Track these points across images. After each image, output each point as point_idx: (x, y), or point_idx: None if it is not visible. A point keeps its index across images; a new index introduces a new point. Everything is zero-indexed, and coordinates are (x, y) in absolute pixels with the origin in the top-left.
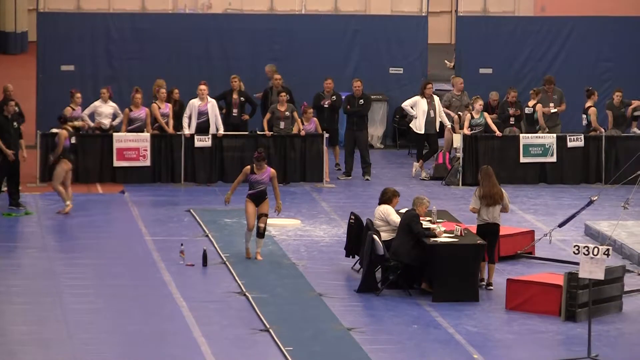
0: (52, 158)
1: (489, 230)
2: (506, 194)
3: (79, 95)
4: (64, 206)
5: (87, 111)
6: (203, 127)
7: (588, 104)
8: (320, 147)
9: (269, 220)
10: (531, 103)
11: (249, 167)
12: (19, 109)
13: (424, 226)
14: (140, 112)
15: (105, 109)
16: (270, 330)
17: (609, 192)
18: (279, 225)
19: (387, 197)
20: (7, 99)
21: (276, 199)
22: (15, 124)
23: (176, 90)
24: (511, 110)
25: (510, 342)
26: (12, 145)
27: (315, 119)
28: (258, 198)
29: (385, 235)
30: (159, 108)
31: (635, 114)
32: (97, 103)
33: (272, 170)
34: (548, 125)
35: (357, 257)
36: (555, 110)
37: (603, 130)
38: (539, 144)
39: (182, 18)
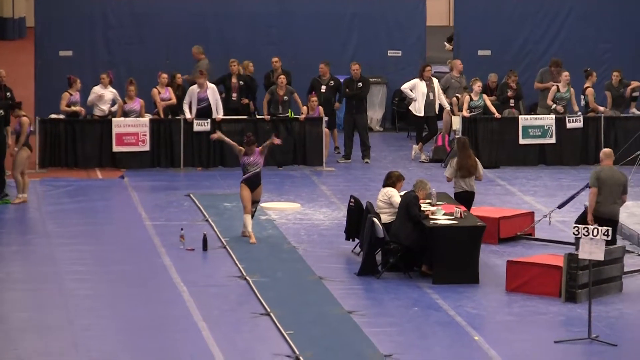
0: (17, 146)
1: (465, 198)
2: (479, 163)
3: (78, 81)
4: (17, 196)
5: (92, 97)
6: (203, 112)
7: (586, 84)
8: (320, 130)
9: (269, 204)
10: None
11: (243, 149)
12: (11, 95)
13: (422, 208)
14: (135, 104)
15: (106, 95)
16: (271, 314)
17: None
18: (279, 209)
19: (391, 181)
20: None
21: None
22: (1, 112)
23: (178, 75)
24: (509, 93)
25: (511, 324)
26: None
27: (320, 107)
28: (253, 183)
29: (385, 218)
30: (159, 93)
31: (634, 94)
32: (97, 88)
33: (258, 148)
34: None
35: (357, 240)
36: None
37: (602, 109)
38: (538, 125)
39: (180, 2)
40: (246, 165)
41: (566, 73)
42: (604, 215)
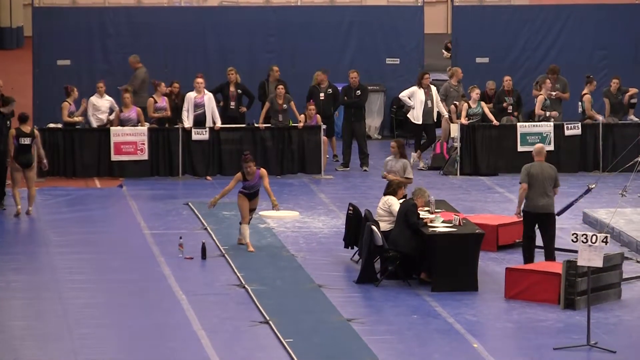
0: (9, 159)
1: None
2: None
3: (75, 90)
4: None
5: (89, 109)
6: (200, 120)
7: (584, 91)
8: (318, 138)
9: (268, 213)
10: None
11: (240, 174)
12: None
13: (420, 216)
14: (131, 113)
15: (102, 103)
16: (270, 322)
17: (606, 180)
18: (278, 217)
19: (392, 189)
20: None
21: (270, 197)
22: (8, 123)
23: (176, 84)
24: (505, 104)
25: (510, 331)
26: (2, 144)
27: (318, 115)
28: (251, 195)
29: (384, 226)
30: (155, 102)
31: (632, 101)
32: (93, 98)
33: (262, 170)
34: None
35: (356, 248)
36: (554, 93)
37: (599, 117)
38: (536, 133)
39: (177, 11)
40: (248, 188)
41: (547, 81)
42: (537, 210)
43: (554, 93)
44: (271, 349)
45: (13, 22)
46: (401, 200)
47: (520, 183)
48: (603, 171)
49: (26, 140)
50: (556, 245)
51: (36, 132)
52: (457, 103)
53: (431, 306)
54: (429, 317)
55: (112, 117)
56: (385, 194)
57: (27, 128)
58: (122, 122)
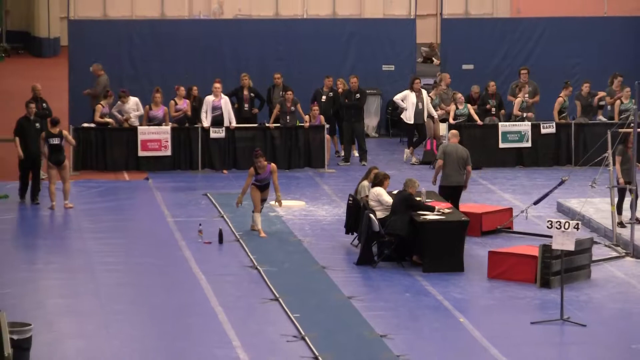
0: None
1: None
2: None
3: (111, 94)
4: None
5: (115, 109)
6: (217, 121)
7: (560, 94)
8: (322, 137)
9: (275, 202)
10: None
11: (252, 169)
12: (47, 106)
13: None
14: (159, 112)
15: (129, 106)
16: (280, 299)
17: (578, 173)
18: (286, 206)
19: (378, 180)
20: (35, 97)
21: (276, 192)
22: (37, 125)
23: (195, 88)
24: (488, 106)
25: (492, 307)
26: (32, 146)
27: (321, 116)
28: (263, 187)
29: (379, 214)
30: (176, 104)
31: (601, 103)
32: (119, 102)
33: (272, 165)
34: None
35: (355, 234)
36: (523, 98)
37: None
38: (515, 131)
39: (197, 23)
40: (260, 180)
41: (526, 87)
42: (452, 183)
43: (530, 100)
44: (280, 323)
45: (51, 33)
46: (395, 191)
47: (437, 159)
48: (575, 165)
49: (55, 140)
50: (534, 231)
51: (64, 132)
52: (436, 93)
53: (422, 285)
54: (420, 295)
55: (138, 113)
56: (373, 186)
57: (55, 130)
58: (150, 119)
